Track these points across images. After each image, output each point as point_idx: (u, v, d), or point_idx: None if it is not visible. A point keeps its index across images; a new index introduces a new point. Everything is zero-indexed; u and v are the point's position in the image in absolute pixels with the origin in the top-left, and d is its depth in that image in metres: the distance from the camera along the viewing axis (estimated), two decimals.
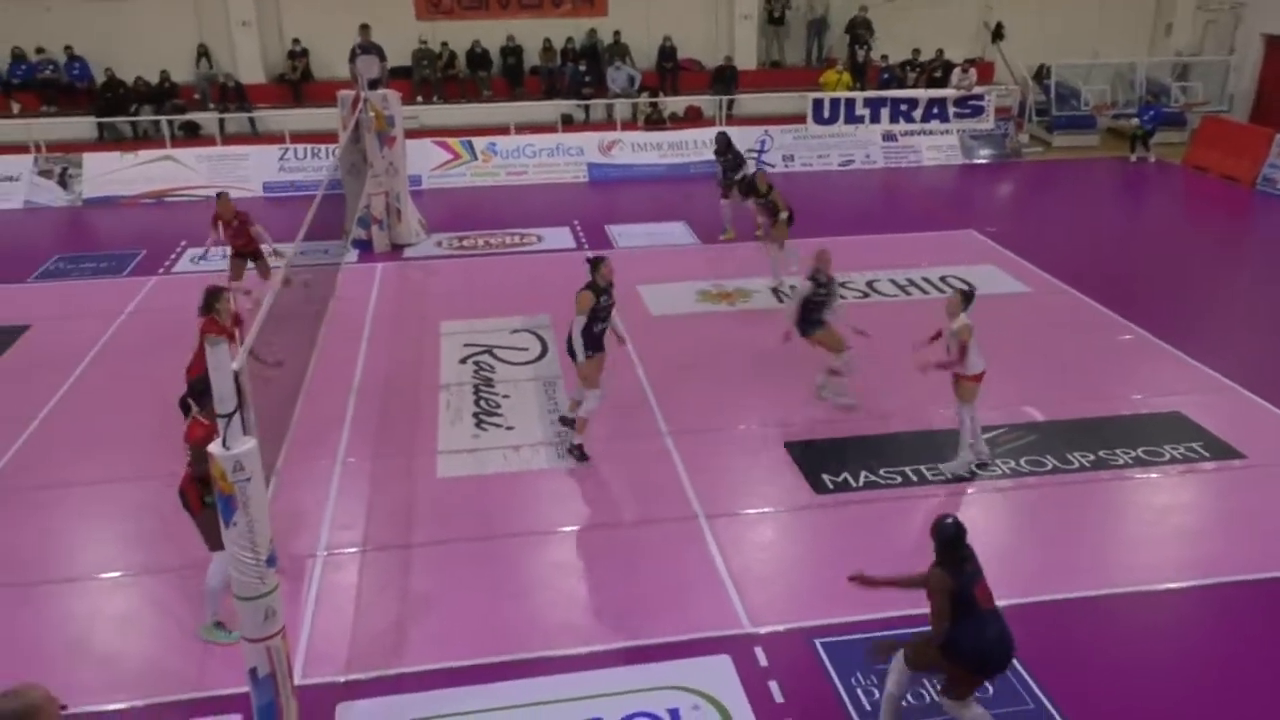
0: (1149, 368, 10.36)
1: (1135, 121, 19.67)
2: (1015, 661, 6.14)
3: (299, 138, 18.30)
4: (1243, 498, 8.05)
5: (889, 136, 19.82)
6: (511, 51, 20.53)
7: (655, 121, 19.85)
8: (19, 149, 17.55)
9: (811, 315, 9.37)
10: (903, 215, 16.50)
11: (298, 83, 19.84)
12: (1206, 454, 8.61)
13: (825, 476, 8.32)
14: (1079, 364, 10.45)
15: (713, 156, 15.01)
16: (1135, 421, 9.17)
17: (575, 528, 7.83)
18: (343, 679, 6.18)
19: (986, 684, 5.66)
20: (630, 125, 19.72)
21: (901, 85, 20.66)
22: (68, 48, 19.33)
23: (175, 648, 6.48)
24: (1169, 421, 9.15)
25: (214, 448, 5.05)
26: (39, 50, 19.27)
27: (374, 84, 14.34)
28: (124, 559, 7.47)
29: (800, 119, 19.73)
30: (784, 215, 12.28)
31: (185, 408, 6.59)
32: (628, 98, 20.04)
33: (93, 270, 13.87)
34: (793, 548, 7.53)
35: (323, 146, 17.74)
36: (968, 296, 8.18)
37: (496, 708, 5.94)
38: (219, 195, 11.75)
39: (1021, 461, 8.53)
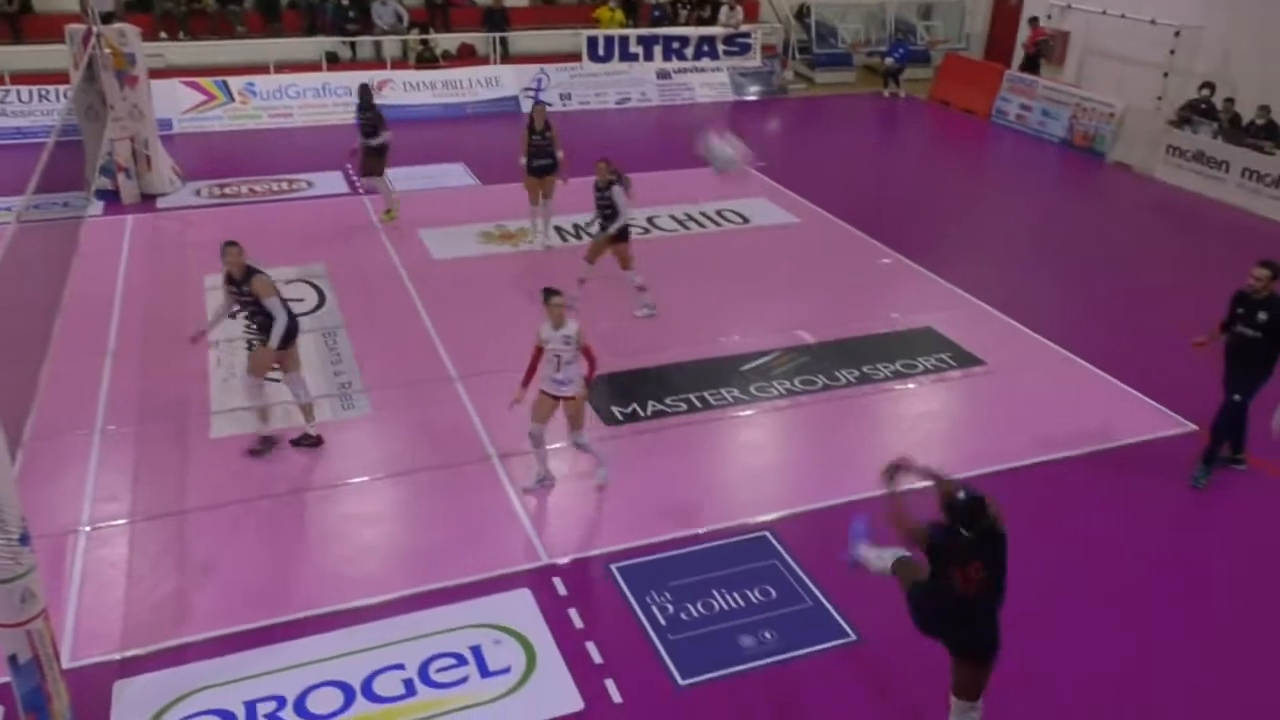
0: (904, 288, 11.23)
1: (887, 60, 20.93)
2: (795, 565, 6.65)
3: (21, 78, 16.36)
4: (986, 399, 8.96)
5: (663, 74, 20.11)
6: None
7: (427, 60, 19.19)
8: None
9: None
10: (678, 152, 16.78)
11: (15, 16, 17.65)
12: (954, 364, 9.49)
13: (614, 409, 8.53)
14: (844, 288, 11.18)
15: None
16: (893, 338, 9.94)
17: (365, 478, 7.65)
18: (118, 656, 5.83)
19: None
20: (401, 64, 18.96)
21: (673, 23, 20.96)
22: None
23: None
24: (922, 336, 9.99)
25: None
26: None
27: (108, 17, 12.99)
28: None
29: (576, 57, 19.66)
30: (560, 154, 11.54)
31: None
32: (396, 35, 19.23)
33: None
34: (586, 480, 7.68)
35: (52, 88, 15.96)
36: (551, 292, 7.03)
37: (290, 666, 5.78)
38: None
39: (796, 382, 9.07)
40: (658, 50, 20.15)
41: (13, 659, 5.01)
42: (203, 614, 6.15)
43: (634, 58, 19.98)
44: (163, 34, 17.98)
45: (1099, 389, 9.14)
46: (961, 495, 4.72)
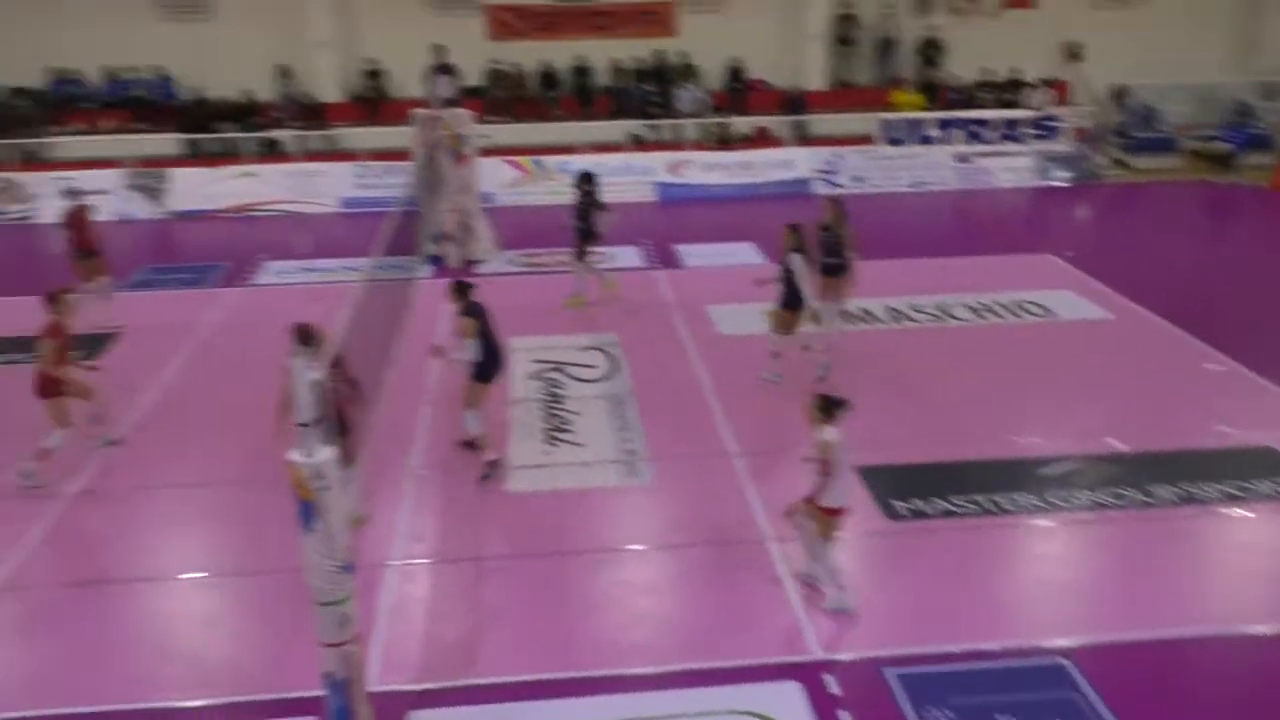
0: (1238, 400, 9.99)
1: (1222, 144, 19.12)
2: (1099, 702, 6.00)
3: (375, 155, 18.71)
4: None
5: (961, 158, 19.56)
6: (581, 71, 20.78)
7: (724, 142, 19.90)
8: (111, 163, 18.21)
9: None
10: (977, 238, 16.26)
11: (374, 101, 20.32)
12: None
13: (898, 503, 8.20)
14: (1163, 394, 10.14)
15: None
16: (1224, 456, 8.84)
17: (644, 546, 7.83)
18: (414, 687, 6.25)
19: None
20: (699, 145, 19.79)
21: (973, 105, 20.41)
22: (156, 67, 20.08)
23: (254, 649, 6.64)
24: (1260, 457, 8.81)
25: (295, 455, 5.15)
26: (131, 69, 20.07)
27: (448, 103, 14.60)
28: (206, 560, 7.68)
29: (869, 139, 19.61)
30: (851, 257, 10.49)
31: None
32: (696, 118, 20.12)
33: (179, 281, 14.35)
34: (865, 575, 7.39)
35: (398, 164, 18.10)
36: (827, 405, 6.66)
37: None
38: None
39: (1103, 493, 8.29)
40: (957, 133, 19.69)
41: (329, 676, 5.51)
42: (490, 658, 6.50)
43: (931, 141, 19.64)
44: (491, 117, 19.94)
45: None
46: None
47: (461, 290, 8.59)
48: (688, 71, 20.72)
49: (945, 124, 19.73)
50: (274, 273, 14.61)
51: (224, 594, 7.31)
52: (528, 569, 7.46)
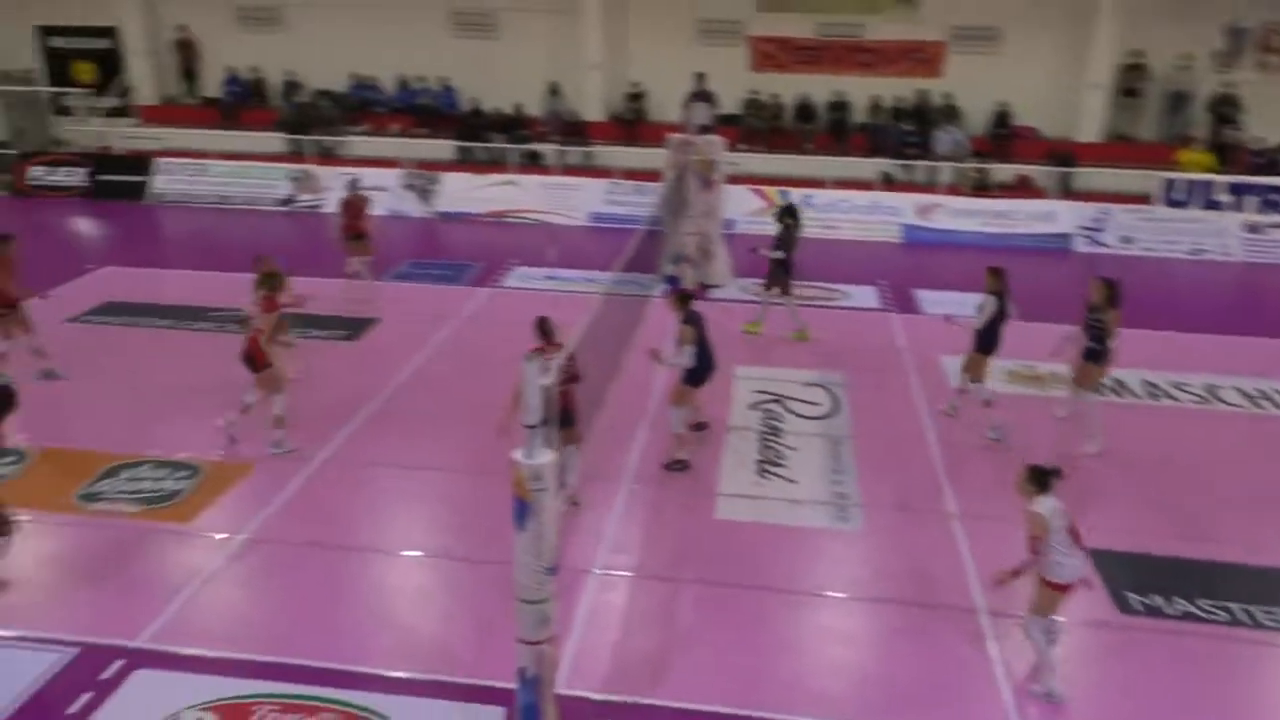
0: None
1: None
2: None
3: (628, 174, 19.37)
4: None
5: (1253, 227, 17.70)
6: (838, 106, 20.58)
7: (981, 188, 19.05)
8: (393, 163, 19.94)
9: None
10: (1262, 317, 14.64)
11: (633, 122, 21.05)
12: None
13: (1133, 595, 7.48)
14: None
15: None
16: None
17: (845, 595, 7.57)
18: (598, 697, 6.34)
19: None
20: (953, 189, 19.07)
21: (1276, 171, 18.41)
22: (443, 78, 21.82)
23: (459, 632, 6.97)
24: None
25: (517, 455, 5.37)
26: (420, 79, 21.92)
27: (704, 129, 14.88)
28: (427, 541, 8.17)
29: (1144, 199, 18.14)
30: (1112, 345, 9.52)
31: None
32: (953, 161, 19.40)
33: (436, 276, 15.45)
34: (1087, 668, 6.79)
35: (648, 184, 18.65)
36: (1038, 476, 6.16)
37: None
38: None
39: None
40: (1250, 200, 17.85)
41: (521, 672, 5.70)
42: (677, 682, 6.48)
43: (1219, 206, 17.92)
44: (744, 146, 20.13)
45: None
46: None
47: (683, 300, 9.20)
48: (950, 113, 20.05)
49: (1238, 189, 17.95)
50: (521, 277, 15.42)
51: (437, 575, 7.75)
52: (725, 597, 7.41)
